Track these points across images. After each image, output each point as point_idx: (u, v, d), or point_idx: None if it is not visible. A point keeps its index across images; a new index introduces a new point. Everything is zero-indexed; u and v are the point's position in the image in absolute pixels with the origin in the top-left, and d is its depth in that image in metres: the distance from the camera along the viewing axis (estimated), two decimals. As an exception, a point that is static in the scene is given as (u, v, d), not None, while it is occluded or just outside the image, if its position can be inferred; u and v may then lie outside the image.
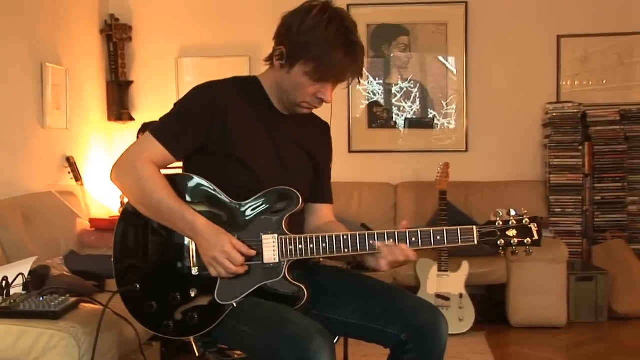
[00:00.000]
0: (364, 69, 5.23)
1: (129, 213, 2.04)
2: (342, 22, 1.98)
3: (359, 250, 1.98)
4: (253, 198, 2.01)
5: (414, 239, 1.97)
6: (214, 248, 1.92)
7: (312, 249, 1.97)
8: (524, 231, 1.98)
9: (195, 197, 2.00)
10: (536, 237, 1.98)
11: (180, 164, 2.15)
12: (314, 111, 2.22)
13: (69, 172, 4.38)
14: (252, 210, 2.01)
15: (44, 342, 2.31)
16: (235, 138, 2.03)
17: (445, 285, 4.20)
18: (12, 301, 2.40)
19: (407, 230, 1.97)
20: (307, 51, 1.95)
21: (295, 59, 1.97)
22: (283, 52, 1.99)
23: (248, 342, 1.95)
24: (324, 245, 1.97)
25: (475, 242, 1.98)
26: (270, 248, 1.97)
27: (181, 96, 2.10)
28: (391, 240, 1.96)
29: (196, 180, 2.02)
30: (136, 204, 2.00)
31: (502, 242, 1.98)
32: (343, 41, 1.96)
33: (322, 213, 2.24)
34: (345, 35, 1.97)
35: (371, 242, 1.97)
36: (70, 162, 4.41)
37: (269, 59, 2.09)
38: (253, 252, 1.96)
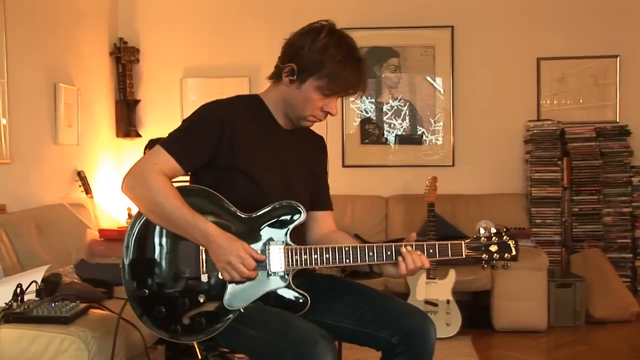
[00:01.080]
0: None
1: (138, 223, 2.02)
2: (350, 42, 2.03)
3: (359, 262, 1.99)
4: (260, 210, 2.01)
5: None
6: (229, 254, 1.91)
7: (316, 259, 1.98)
8: (504, 247, 2.06)
9: (205, 208, 1.98)
10: (514, 252, 2.06)
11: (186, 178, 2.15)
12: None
13: (80, 186, 4.38)
14: (259, 221, 2.01)
15: (56, 345, 2.32)
16: (242, 153, 2.03)
17: (434, 292, 4.19)
18: (26, 307, 2.40)
19: (403, 244, 1.99)
20: (321, 68, 1.97)
21: (307, 75, 1.99)
22: (294, 68, 2.00)
23: (254, 346, 1.94)
24: (327, 255, 1.98)
25: (464, 256, 2.03)
26: (277, 257, 1.98)
27: (186, 114, 2.11)
28: (409, 248, 1.98)
29: (206, 191, 2.01)
30: (148, 212, 1.97)
31: (486, 256, 2.05)
32: (353, 59, 2.01)
33: (325, 221, 2.27)
34: (354, 53, 2.02)
35: (370, 253, 1.99)
36: (81, 176, 4.41)
37: (273, 76, 2.10)
38: (263, 258, 1.96)
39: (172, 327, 1.97)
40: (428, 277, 4.19)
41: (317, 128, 2.29)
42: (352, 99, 5.15)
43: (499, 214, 4.74)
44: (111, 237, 4.07)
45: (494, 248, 2.04)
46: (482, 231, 2.06)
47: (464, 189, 5.05)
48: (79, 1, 4.59)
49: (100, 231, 4.18)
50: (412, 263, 1.97)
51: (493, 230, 2.06)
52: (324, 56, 1.97)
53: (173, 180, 2.01)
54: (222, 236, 1.93)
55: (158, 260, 2.00)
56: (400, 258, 1.98)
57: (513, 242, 2.05)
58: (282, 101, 2.09)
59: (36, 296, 2.58)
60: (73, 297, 2.60)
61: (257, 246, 1.99)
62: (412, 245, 2.00)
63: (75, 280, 3.11)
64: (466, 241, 2.04)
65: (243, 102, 2.13)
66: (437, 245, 2.01)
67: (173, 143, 2.00)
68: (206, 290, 1.97)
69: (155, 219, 1.97)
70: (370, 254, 1.99)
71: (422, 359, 1.99)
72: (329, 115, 2.08)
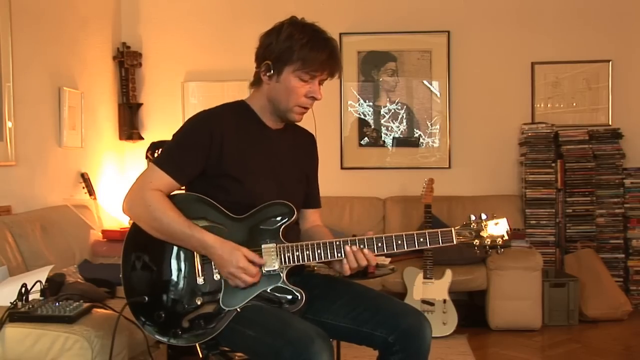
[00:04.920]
0: (355, 92, 5.30)
1: (135, 230, 2.03)
2: (314, 27, 2.05)
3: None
4: (252, 211, 2.02)
5: (399, 242, 1.99)
6: (229, 264, 1.93)
7: (308, 255, 1.99)
8: (495, 232, 2.02)
9: (198, 214, 2.00)
10: (506, 237, 2.02)
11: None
12: (300, 124, 2.24)
13: (84, 187, 4.38)
14: (251, 222, 2.02)
15: (60, 344, 2.32)
16: (233, 159, 2.03)
17: (430, 291, 4.20)
18: (30, 306, 2.40)
19: (393, 235, 1.99)
20: (291, 54, 1.99)
21: (282, 65, 2.01)
22: (269, 64, 2.03)
23: (252, 345, 1.94)
24: (318, 251, 1.99)
25: (454, 242, 2.00)
26: (271, 256, 1.98)
27: (187, 117, 2.12)
28: (354, 247, 1.97)
29: (196, 197, 2.03)
30: (149, 229, 1.99)
31: (477, 242, 2.01)
32: (319, 39, 2.02)
33: (312, 218, 2.28)
34: (319, 34, 2.04)
35: (361, 246, 1.98)
36: (85, 178, 4.41)
37: (254, 82, 2.12)
38: (263, 261, 1.97)
39: (173, 331, 1.97)
40: (425, 277, 4.19)
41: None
42: (350, 101, 5.19)
43: (494, 215, 4.73)
44: (114, 237, 4.08)
45: (485, 233, 2.01)
46: (472, 217, 2.02)
47: (460, 190, 5.06)
48: (83, 7, 4.60)
49: (104, 232, 4.19)
50: (352, 262, 1.97)
51: (483, 216, 2.02)
52: (291, 42, 2.00)
53: (169, 194, 2.02)
54: (221, 246, 1.94)
55: (155, 267, 2.01)
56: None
57: (505, 227, 2.02)
58: (267, 101, 2.09)
59: (40, 296, 2.58)
60: (77, 297, 2.60)
61: (251, 246, 1.99)
62: (383, 239, 1.99)
63: (79, 280, 3.11)
64: (456, 228, 2.01)
65: (229, 109, 2.13)
66: (427, 234, 1.99)
67: (165, 160, 2.02)
68: (203, 293, 1.98)
69: (156, 234, 1.99)
70: (362, 246, 1.99)
71: (418, 358, 1.99)
72: (314, 100, 2.07)
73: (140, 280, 2.01)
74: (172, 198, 2.01)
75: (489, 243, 2.01)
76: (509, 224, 2.03)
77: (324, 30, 2.06)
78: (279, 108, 2.08)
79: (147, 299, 1.98)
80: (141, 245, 2.02)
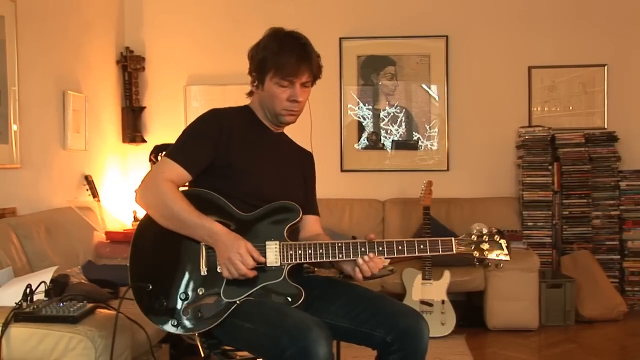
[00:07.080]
0: (355, 96, 5.30)
1: (145, 222, 2.08)
2: (291, 33, 2.15)
3: (351, 256, 2.02)
4: (258, 210, 2.06)
5: (400, 247, 2.02)
6: (230, 250, 1.95)
7: (309, 254, 2.02)
8: (495, 246, 2.04)
9: (207, 209, 2.03)
10: (506, 252, 2.04)
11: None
12: (298, 142, 2.36)
13: (87, 190, 4.39)
14: (257, 220, 2.07)
15: (64, 344, 2.32)
16: (238, 151, 2.11)
17: (429, 292, 4.20)
18: (35, 307, 2.41)
19: (394, 241, 2.02)
20: (265, 63, 2.11)
21: (262, 76, 2.14)
22: (254, 76, 2.17)
23: (251, 337, 1.96)
24: (320, 251, 2.02)
25: (454, 252, 2.03)
26: (273, 253, 2.01)
27: (190, 120, 2.21)
28: (366, 257, 2.01)
29: (205, 193, 2.07)
30: (159, 217, 2.02)
31: (477, 253, 2.03)
32: (293, 45, 2.11)
33: (312, 226, 2.30)
34: (294, 40, 2.13)
35: (362, 249, 2.01)
36: (89, 180, 4.42)
37: (249, 94, 2.27)
38: (263, 259, 1.99)
39: (174, 320, 1.99)
40: (424, 278, 4.19)
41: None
42: (350, 105, 5.20)
43: (492, 217, 4.74)
44: (117, 239, 4.08)
45: (485, 246, 2.03)
46: (474, 230, 2.03)
47: (458, 192, 5.06)
48: (87, 12, 4.61)
49: (107, 233, 4.19)
50: (367, 270, 2.01)
51: (484, 230, 2.03)
52: (265, 52, 2.11)
53: (181, 185, 2.07)
54: (227, 235, 1.98)
55: (161, 257, 2.05)
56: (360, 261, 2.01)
57: (505, 242, 2.03)
58: (260, 107, 2.21)
59: (45, 296, 2.59)
60: (80, 297, 2.60)
61: (255, 242, 2.01)
62: (384, 244, 2.01)
63: (83, 281, 3.12)
64: (456, 238, 2.03)
65: (236, 110, 2.24)
66: (427, 242, 2.02)
67: (177, 151, 2.09)
68: (205, 284, 2.01)
69: (165, 222, 2.02)
70: (363, 249, 2.01)
71: (416, 357, 2.00)
72: (296, 102, 2.13)
73: (146, 267, 2.04)
74: (184, 193, 2.06)
75: (488, 256, 2.02)
76: (509, 241, 2.04)
77: (297, 36, 2.14)
78: (269, 113, 2.19)
79: (151, 286, 2.00)
80: (151, 235, 2.05)
